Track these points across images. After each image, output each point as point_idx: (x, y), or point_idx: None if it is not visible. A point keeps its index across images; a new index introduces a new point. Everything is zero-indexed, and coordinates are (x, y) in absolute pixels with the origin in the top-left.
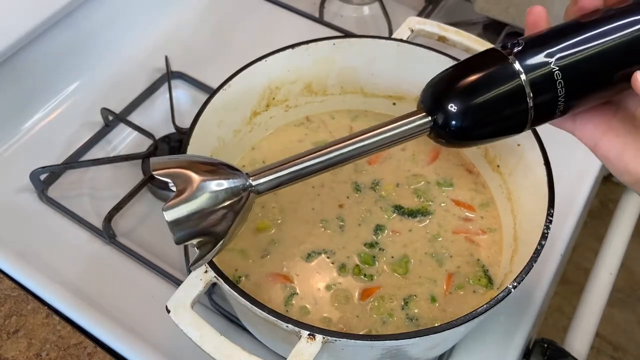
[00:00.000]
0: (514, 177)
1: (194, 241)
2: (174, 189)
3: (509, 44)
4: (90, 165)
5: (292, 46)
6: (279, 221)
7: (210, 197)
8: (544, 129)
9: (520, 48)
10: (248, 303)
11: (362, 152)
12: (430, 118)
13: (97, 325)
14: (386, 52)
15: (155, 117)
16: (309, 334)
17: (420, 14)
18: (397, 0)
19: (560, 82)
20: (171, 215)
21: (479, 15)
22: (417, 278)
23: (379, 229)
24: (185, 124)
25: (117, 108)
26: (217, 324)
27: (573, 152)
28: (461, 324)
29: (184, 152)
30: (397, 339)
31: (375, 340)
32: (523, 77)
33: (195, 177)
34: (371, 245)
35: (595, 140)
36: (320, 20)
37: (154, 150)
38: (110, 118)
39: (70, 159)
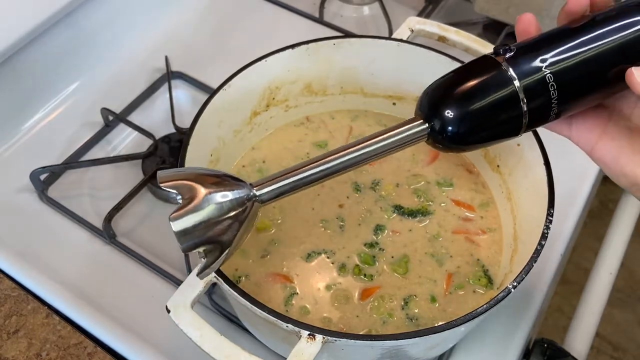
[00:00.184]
0: (514, 177)
1: (200, 249)
2: (179, 200)
3: (500, 50)
4: (90, 165)
5: (292, 46)
6: (279, 221)
7: (216, 208)
8: (544, 130)
9: (512, 54)
10: (248, 303)
11: (361, 160)
12: (427, 125)
13: (97, 325)
14: (386, 52)
15: (155, 117)
16: (309, 334)
17: (420, 14)
18: (397, 0)
19: (552, 86)
20: (178, 225)
21: (479, 15)
22: (417, 278)
23: (379, 229)
24: (185, 124)
25: (117, 108)
26: (217, 324)
27: (573, 152)
28: (461, 324)
29: (184, 152)
30: (397, 339)
31: (375, 340)
32: (516, 83)
33: (201, 189)
34: (371, 245)
35: (591, 145)
36: (320, 20)
37: (154, 150)
38: (110, 118)
39: (70, 159)
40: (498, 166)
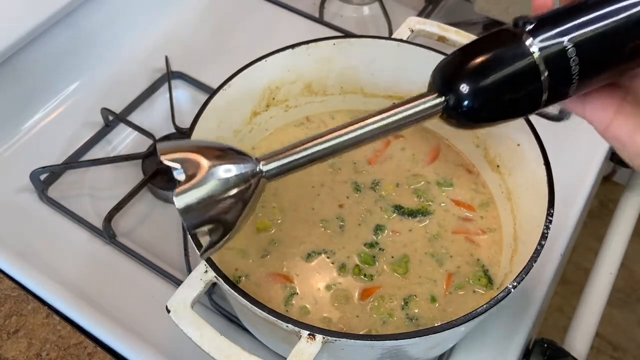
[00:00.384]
0: (514, 177)
1: (205, 228)
2: (180, 177)
3: (520, 22)
4: (90, 165)
5: (292, 46)
6: (279, 221)
7: (221, 183)
8: (543, 128)
9: (532, 26)
10: (248, 303)
11: (374, 134)
12: (442, 99)
13: (97, 325)
14: (386, 52)
15: (155, 117)
16: (309, 334)
17: (420, 14)
18: (397, 0)
19: (574, 60)
20: (182, 200)
21: (479, 15)
22: (417, 278)
23: (379, 229)
24: (185, 124)
25: (117, 108)
26: (217, 324)
27: (573, 152)
28: (461, 324)
29: None
30: (397, 339)
31: (375, 340)
32: (536, 55)
33: (205, 162)
34: (371, 245)
35: (605, 123)
36: (320, 20)
37: (154, 150)
38: (111, 118)
39: (70, 159)
40: (498, 166)
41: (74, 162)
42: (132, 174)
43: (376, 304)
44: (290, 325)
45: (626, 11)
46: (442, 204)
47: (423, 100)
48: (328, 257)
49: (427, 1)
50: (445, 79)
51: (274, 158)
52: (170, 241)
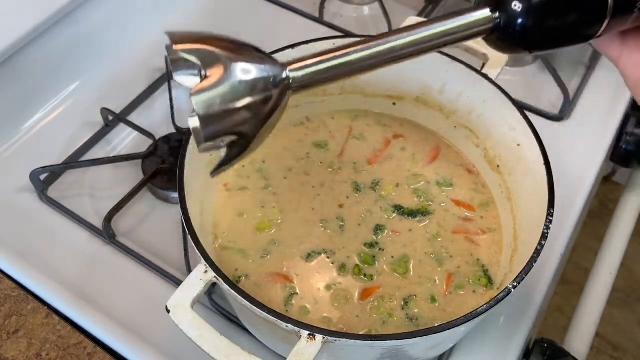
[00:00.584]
0: (514, 177)
1: (223, 140)
2: (195, 73)
3: None
4: (90, 165)
5: (292, 46)
6: (279, 221)
7: (246, 85)
8: (543, 128)
9: None
10: (248, 303)
11: (413, 45)
12: (495, 14)
13: (97, 325)
14: None
15: (155, 117)
16: (309, 334)
17: (420, 14)
18: (397, 0)
19: None
20: (200, 99)
21: None
22: (417, 278)
23: (379, 229)
24: (185, 124)
25: (117, 108)
26: (217, 324)
27: (573, 152)
28: (461, 324)
29: (184, 152)
30: (397, 339)
31: (375, 340)
32: None
33: (226, 59)
34: (371, 245)
35: None
36: (320, 20)
37: (154, 150)
38: (110, 118)
39: (70, 159)
40: (498, 166)
41: (74, 162)
42: (132, 174)
43: (376, 304)
44: (290, 325)
45: None
46: (442, 204)
47: (473, 14)
48: (328, 257)
49: (427, 1)
50: None
51: (304, 64)
52: (170, 241)
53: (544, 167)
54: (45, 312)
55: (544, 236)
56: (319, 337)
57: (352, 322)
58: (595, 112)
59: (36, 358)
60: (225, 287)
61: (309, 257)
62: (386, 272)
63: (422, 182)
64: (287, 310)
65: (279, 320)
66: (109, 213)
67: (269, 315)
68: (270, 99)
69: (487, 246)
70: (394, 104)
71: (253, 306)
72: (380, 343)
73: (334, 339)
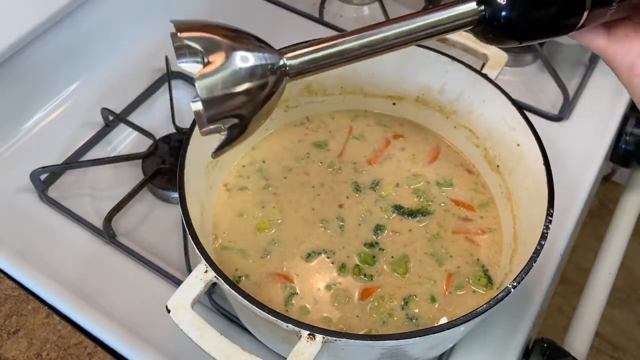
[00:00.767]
0: (514, 177)
1: (224, 123)
2: (197, 60)
3: None
4: (91, 165)
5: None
6: (279, 221)
7: (246, 71)
8: (543, 128)
9: None
10: (248, 303)
11: (404, 38)
12: (481, 7)
13: (97, 325)
14: None
15: (155, 117)
16: (309, 334)
17: None
18: (397, 0)
19: None
20: (204, 84)
21: None
22: (417, 278)
23: (379, 229)
24: (185, 124)
25: (117, 108)
26: (217, 324)
27: (573, 152)
28: (461, 324)
29: (184, 152)
30: (397, 339)
31: (375, 340)
32: None
33: (228, 46)
34: (371, 245)
35: (630, 60)
36: (320, 20)
37: (154, 150)
38: (111, 118)
39: (70, 159)
40: (498, 166)
41: (74, 162)
42: (132, 174)
43: (376, 304)
44: (290, 325)
45: None
46: (442, 204)
47: (460, 7)
48: (328, 257)
49: (427, 1)
50: None
51: (300, 52)
52: (170, 241)
53: (543, 167)
54: (46, 312)
55: (544, 236)
56: (319, 337)
57: (352, 322)
58: (595, 112)
59: (36, 358)
60: (226, 287)
61: (309, 257)
62: (386, 272)
63: (422, 182)
64: (287, 310)
65: (279, 320)
66: (109, 213)
67: (269, 315)
68: (267, 84)
69: (487, 246)
70: (394, 104)
71: (253, 306)
72: (380, 343)
73: (334, 338)
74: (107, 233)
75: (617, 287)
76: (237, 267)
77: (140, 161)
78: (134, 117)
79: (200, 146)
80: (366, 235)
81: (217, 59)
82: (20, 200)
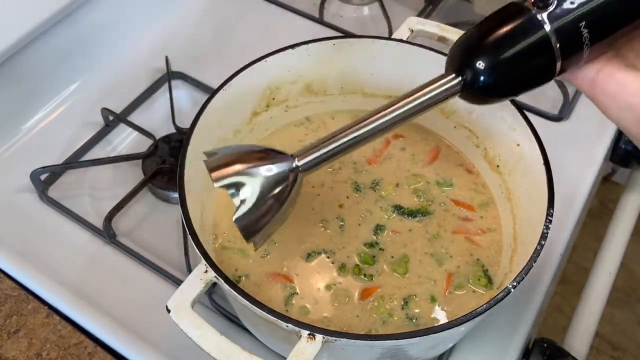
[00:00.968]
0: (513, 177)
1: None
2: (236, 200)
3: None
4: (91, 165)
5: (292, 46)
6: None
7: (266, 184)
8: (543, 128)
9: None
10: (248, 303)
11: (398, 120)
12: (460, 78)
13: (97, 325)
14: (386, 52)
15: (155, 117)
16: (309, 334)
17: (420, 14)
18: (397, 0)
19: (584, 27)
20: (242, 225)
21: (479, 16)
22: (417, 278)
23: (379, 229)
24: (185, 124)
25: (118, 108)
26: (217, 324)
27: (573, 152)
28: (461, 324)
29: (185, 152)
30: (397, 339)
31: (375, 340)
32: (547, 27)
33: (253, 179)
34: (371, 245)
35: (591, 77)
36: (320, 21)
37: (154, 150)
38: (111, 118)
39: (70, 159)
40: (498, 166)
41: (74, 162)
42: (132, 174)
43: (376, 303)
44: (290, 325)
45: None
46: (442, 204)
47: (442, 82)
48: (328, 257)
49: (427, 1)
50: (460, 57)
51: (308, 153)
52: (170, 241)
53: (543, 167)
54: (46, 312)
55: (544, 236)
56: (319, 337)
57: (352, 322)
58: (594, 112)
59: (36, 358)
60: (226, 287)
61: (309, 257)
62: (386, 272)
63: (422, 182)
64: (287, 310)
65: (279, 320)
66: (109, 213)
67: (269, 315)
68: (288, 184)
69: (487, 246)
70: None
71: (253, 306)
72: (380, 343)
73: (334, 338)
74: (107, 233)
75: (617, 287)
76: (237, 267)
77: (140, 161)
78: (134, 117)
79: (200, 146)
80: (366, 235)
81: (247, 194)
82: (20, 200)
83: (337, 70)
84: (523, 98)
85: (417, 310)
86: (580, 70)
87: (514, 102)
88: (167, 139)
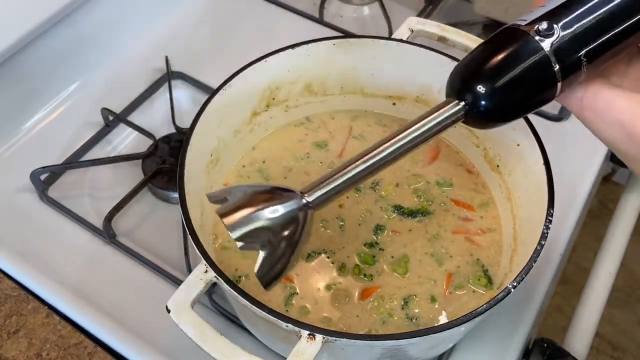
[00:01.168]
0: (513, 177)
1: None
2: (260, 254)
3: (540, 29)
4: (91, 165)
5: (292, 46)
6: None
7: (278, 226)
8: (543, 128)
9: (537, 22)
10: (248, 303)
11: (405, 150)
12: (462, 104)
13: (97, 325)
14: (386, 52)
15: (155, 117)
16: (309, 334)
17: (420, 14)
18: (397, 0)
19: (581, 47)
20: (263, 280)
21: (479, 16)
22: (417, 278)
23: (378, 229)
24: (185, 124)
25: (118, 108)
26: (217, 324)
27: (573, 152)
28: (461, 324)
29: (185, 152)
30: (397, 339)
31: (375, 340)
32: (547, 49)
33: (266, 229)
34: (371, 245)
35: (579, 95)
36: (320, 21)
37: (154, 150)
38: (111, 118)
39: (70, 159)
40: (498, 166)
41: (74, 162)
42: (132, 174)
43: (376, 304)
44: (290, 325)
45: None
46: (442, 204)
47: (445, 109)
48: (328, 257)
49: (427, 1)
50: (460, 84)
51: (316, 188)
52: (170, 241)
53: (543, 167)
54: (46, 312)
55: (544, 236)
56: (319, 337)
57: (352, 322)
58: None
59: (36, 358)
60: (226, 287)
61: (309, 257)
62: (386, 272)
63: (422, 182)
64: (287, 310)
65: (279, 320)
66: (109, 213)
67: (269, 315)
68: (299, 222)
69: (487, 246)
70: (393, 104)
71: (253, 306)
72: (380, 343)
73: (334, 338)
74: (107, 233)
75: (617, 287)
76: (237, 267)
77: (140, 161)
78: (134, 117)
79: (200, 146)
80: (366, 235)
81: (264, 240)
82: (20, 200)
83: (337, 70)
84: None
85: (417, 310)
86: (570, 90)
87: None
88: (167, 139)
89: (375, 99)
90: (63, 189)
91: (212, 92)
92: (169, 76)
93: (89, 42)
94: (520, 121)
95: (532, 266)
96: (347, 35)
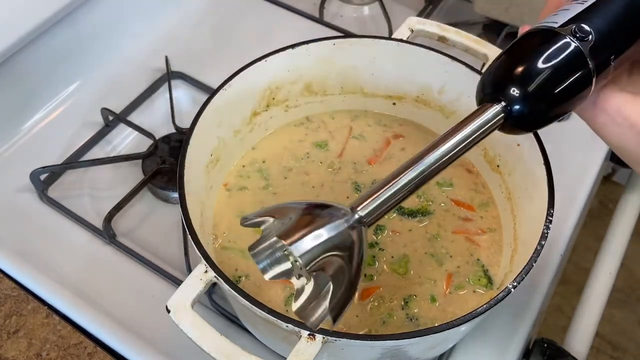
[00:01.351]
0: (513, 177)
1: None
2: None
3: (577, 34)
4: (90, 165)
5: (292, 46)
6: None
7: (328, 248)
8: (543, 129)
9: (577, 27)
10: (248, 303)
11: (449, 159)
12: (501, 106)
13: (97, 325)
14: (386, 52)
15: (155, 117)
16: (309, 334)
17: (420, 14)
18: (397, 0)
19: (609, 43)
20: (315, 322)
21: (479, 16)
22: (417, 278)
23: (378, 229)
24: (185, 124)
25: (117, 108)
26: (217, 324)
27: (573, 152)
28: (461, 324)
29: (184, 152)
30: (397, 339)
31: (375, 340)
32: (585, 50)
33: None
34: (371, 245)
35: (591, 100)
36: (320, 20)
37: (154, 150)
38: (111, 118)
39: (70, 159)
40: (498, 166)
41: (74, 162)
42: (132, 174)
43: (376, 304)
44: (290, 325)
45: None
46: (442, 204)
47: (482, 114)
48: None
49: (427, 1)
50: (498, 88)
51: (368, 201)
52: (170, 241)
53: (544, 167)
54: (46, 312)
55: (544, 236)
56: (318, 337)
57: (352, 322)
58: None
59: (36, 358)
60: (226, 287)
61: None
62: (386, 272)
63: None
64: (287, 310)
65: (279, 320)
66: (109, 213)
67: (269, 315)
68: (354, 241)
69: (487, 246)
70: (394, 104)
71: (253, 306)
72: (380, 343)
73: (334, 338)
74: (107, 233)
75: (617, 287)
76: (237, 267)
77: (140, 161)
78: (134, 117)
79: (200, 146)
80: None
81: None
82: (20, 200)
83: (337, 70)
84: None
85: (417, 310)
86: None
87: None
88: (167, 139)
89: (375, 99)
90: (63, 189)
91: (212, 92)
92: (169, 76)
93: (89, 42)
94: None
95: (532, 266)
96: (347, 35)
